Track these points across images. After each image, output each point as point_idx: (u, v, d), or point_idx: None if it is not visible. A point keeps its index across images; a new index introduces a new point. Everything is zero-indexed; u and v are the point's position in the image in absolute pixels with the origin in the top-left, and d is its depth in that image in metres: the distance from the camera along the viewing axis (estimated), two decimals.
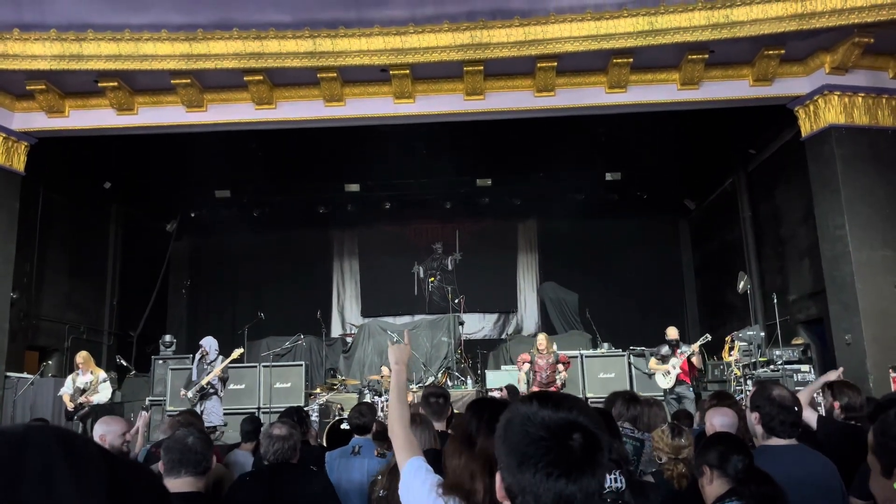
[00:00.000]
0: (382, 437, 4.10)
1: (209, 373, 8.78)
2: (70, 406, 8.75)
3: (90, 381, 8.87)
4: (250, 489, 3.51)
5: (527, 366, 9.46)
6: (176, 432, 3.04)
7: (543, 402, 1.17)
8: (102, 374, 9.15)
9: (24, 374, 10.11)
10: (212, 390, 8.79)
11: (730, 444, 2.60)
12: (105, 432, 3.79)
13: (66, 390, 8.89)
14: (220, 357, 9.00)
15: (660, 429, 3.45)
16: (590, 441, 1.10)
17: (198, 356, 9.00)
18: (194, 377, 8.87)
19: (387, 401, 9.33)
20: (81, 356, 9.11)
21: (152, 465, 3.83)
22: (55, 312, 12.12)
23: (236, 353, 9.32)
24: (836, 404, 4.05)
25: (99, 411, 9.10)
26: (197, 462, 2.89)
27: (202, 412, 8.56)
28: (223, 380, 8.99)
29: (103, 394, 8.97)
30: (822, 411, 4.40)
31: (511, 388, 8.96)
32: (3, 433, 0.70)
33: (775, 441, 2.86)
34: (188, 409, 7.39)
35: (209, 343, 9.04)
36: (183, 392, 8.77)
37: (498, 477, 1.18)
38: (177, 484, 2.87)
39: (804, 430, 3.29)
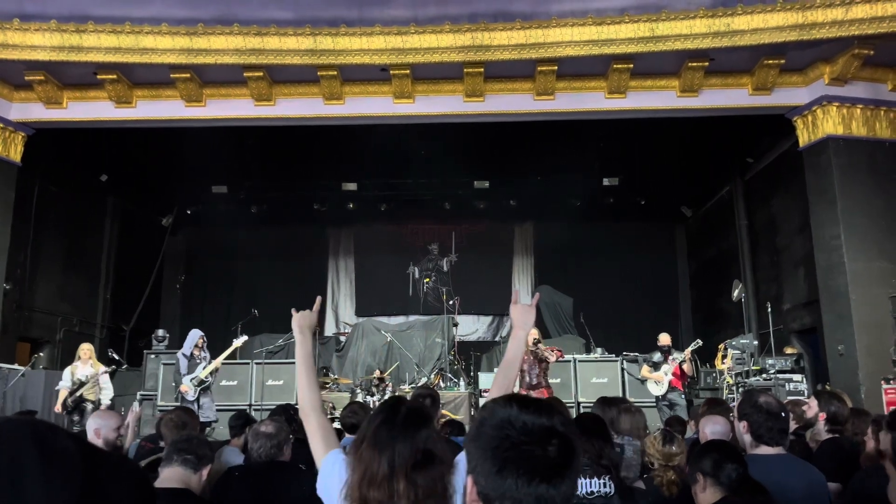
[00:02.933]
0: None
1: (204, 366, 8.65)
2: (61, 406, 8.49)
3: (90, 374, 8.72)
4: (238, 488, 3.46)
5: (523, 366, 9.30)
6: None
7: (523, 406, 1.17)
8: (103, 367, 8.96)
9: (15, 366, 10.03)
10: (209, 383, 8.70)
11: (725, 453, 2.59)
12: (100, 426, 3.87)
13: (65, 384, 8.64)
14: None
15: (651, 435, 3.44)
16: (567, 447, 1.12)
17: (191, 348, 8.76)
18: (183, 370, 8.65)
19: (379, 400, 9.31)
20: (85, 348, 8.97)
21: (143, 461, 3.83)
22: (48, 304, 12.06)
23: (239, 341, 9.16)
24: (823, 416, 3.99)
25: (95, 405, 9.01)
26: (189, 450, 2.88)
27: (200, 407, 8.42)
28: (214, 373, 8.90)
29: (107, 392, 8.75)
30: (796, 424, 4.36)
31: None
32: None
33: (764, 450, 2.85)
34: (182, 405, 7.29)
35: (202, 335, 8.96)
36: (184, 386, 8.53)
37: (469, 481, 1.16)
38: (167, 475, 2.86)
39: None
